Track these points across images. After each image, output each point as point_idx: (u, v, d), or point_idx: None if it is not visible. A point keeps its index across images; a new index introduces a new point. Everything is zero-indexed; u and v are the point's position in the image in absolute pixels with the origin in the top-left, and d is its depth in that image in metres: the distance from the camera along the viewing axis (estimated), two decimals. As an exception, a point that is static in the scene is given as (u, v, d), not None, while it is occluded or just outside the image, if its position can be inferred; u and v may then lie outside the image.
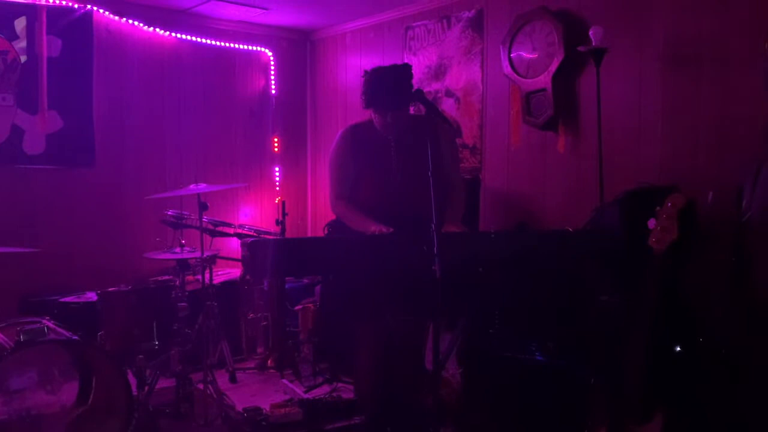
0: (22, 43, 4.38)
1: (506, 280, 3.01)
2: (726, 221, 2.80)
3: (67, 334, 3.07)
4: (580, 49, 3.52)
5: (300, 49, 5.85)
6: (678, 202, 2.10)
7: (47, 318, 3.31)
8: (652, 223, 2.13)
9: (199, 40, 5.20)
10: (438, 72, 4.70)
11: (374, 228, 2.77)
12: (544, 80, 3.90)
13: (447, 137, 3.11)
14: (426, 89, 4.63)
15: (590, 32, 3.44)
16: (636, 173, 3.46)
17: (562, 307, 3.11)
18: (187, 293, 3.74)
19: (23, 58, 4.39)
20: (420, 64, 4.78)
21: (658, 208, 2.13)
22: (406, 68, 2.92)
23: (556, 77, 3.85)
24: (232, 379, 4.24)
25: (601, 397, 2.50)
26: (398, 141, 2.97)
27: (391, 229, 2.75)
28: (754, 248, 2.36)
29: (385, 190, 2.96)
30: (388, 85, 2.85)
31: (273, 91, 5.67)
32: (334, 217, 3.16)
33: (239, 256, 3.99)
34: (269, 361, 4.51)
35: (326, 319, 4.29)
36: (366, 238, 2.74)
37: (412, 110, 3.14)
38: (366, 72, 2.93)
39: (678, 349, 2.75)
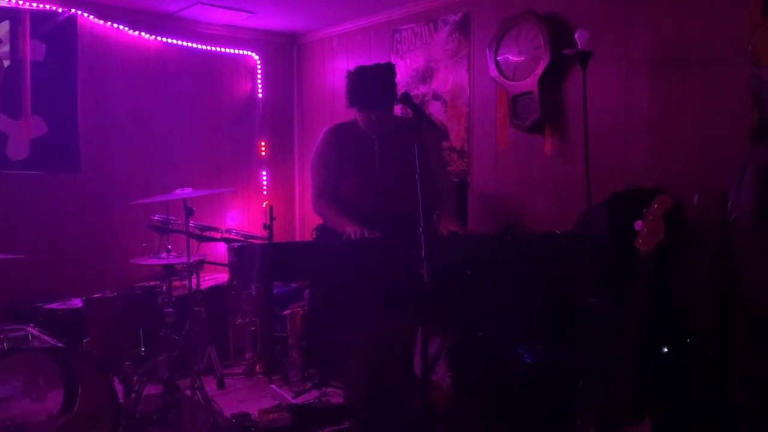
0: (5, 48, 4.34)
1: (494, 283, 3.02)
2: (712, 223, 2.82)
3: (52, 341, 3.04)
4: (566, 52, 3.53)
5: (287, 52, 5.83)
6: (664, 204, 2.11)
7: (32, 325, 3.28)
8: (638, 224, 2.14)
9: (185, 44, 5.17)
10: (425, 75, 4.70)
11: (350, 229, 2.74)
12: (530, 83, 3.91)
13: (433, 139, 3.10)
14: (413, 92, 4.63)
15: (576, 35, 3.45)
16: (623, 175, 3.47)
17: (550, 309, 3.12)
18: (173, 299, 3.71)
19: (6, 63, 4.34)
20: (407, 67, 4.78)
21: (644, 210, 2.14)
22: (390, 67, 2.91)
23: (543, 80, 3.86)
24: (220, 385, 4.21)
25: (590, 398, 2.50)
26: (382, 141, 2.96)
27: (367, 230, 2.72)
28: (739, 250, 2.38)
29: (369, 190, 2.94)
30: (373, 84, 2.84)
31: (260, 95, 5.65)
32: (322, 221, 3.15)
33: (226, 261, 3.97)
34: (258, 367, 4.49)
35: (315, 323, 4.27)
36: (354, 242, 2.73)
37: (398, 111, 3.13)
38: (349, 72, 2.92)
39: (665, 350, 2.76)
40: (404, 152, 2.91)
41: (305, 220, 5.82)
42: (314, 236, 3.15)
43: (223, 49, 5.40)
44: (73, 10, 4.59)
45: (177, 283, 4.09)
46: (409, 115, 3.28)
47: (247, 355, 4.66)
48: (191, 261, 3.67)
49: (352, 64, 5.18)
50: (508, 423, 3.05)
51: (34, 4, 4.43)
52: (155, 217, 4.13)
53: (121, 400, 3.11)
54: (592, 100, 3.51)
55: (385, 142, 2.96)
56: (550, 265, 2.96)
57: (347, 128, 3.05)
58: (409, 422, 2.92)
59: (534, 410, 2.92)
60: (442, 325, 3.12)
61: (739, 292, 2.39)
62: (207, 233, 4.46)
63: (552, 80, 3.87)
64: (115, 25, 4.82)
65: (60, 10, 4.54)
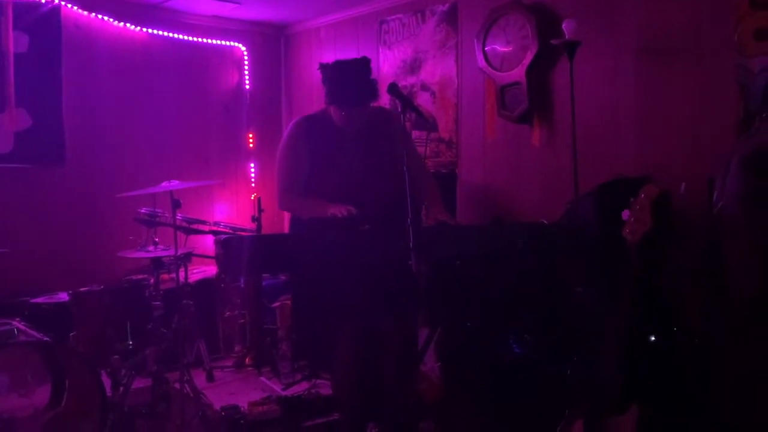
0: (-13, 39, 4.28)
1: (483, 273, 3.02)
2: (699, 212, 2.83)
3: (38, 335, 3.02)
4: (554, 42, 3.53)
5: (274, 43, 5.80)
6: (651, 193, 2.12)
7: (17, 319, 3.25)
8: (626, 214, 2.14)
9: (171, 35, 5.12)
10: (413, 66, 4.69)
11: (333, 209, 2.70)
12: (518, 73, 3.90)
13: (402, 127, 3.04)
14: (401, 83, 4.61)
15: (563, 25, 3.45)
16: (610, 165, 3.48)
17: (538, 299, 3.13)
18: (161, 292, 3.69)
19: (-11, 55, 4.29)
20: (395, 58, 4.77)
21: (632, 199, 2.14)
22: (366, 62, 2.86)
23: (530, 70, 3.85)
24: (210, 378, 4.21)
25: (578, 388, 2.52)
26: (356, 134, 2.91)
27: (352, 208, 2.68)
28: (726, 239, 2.39)
29: (348, 185, 2.88)
30: (354, 81, 2.80)
31: (247, 87, 5.61)
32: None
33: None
34: (247, 359, 4.48)
35: (301, 316, 4.26)
36: (343, 234, 2.71)
37: (386, 102, 3.10)
38: (325, 66, 2.85)
39: (653, 338, 2.78)
40: (378, 144, 2.88)
41: (294, 212, 5.80)
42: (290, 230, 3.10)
43: (209, 41, 5.35)
44: (56, 1, 4.53)
45: (165, 276, 4.08)
46: (394, 106, 3.24)
47: (237, 348, 4.66)
48: (179, 254, 3.65)
49: (339, 55, 5.20)
50: (498, 413, 3.06)
51: (17, -5, 4.37)
52: (142, 210, 4.10)
53: (108, 394, 3.10)
54: (579, 90, 3.51)
55: (359, 134, 2.91)
56: (537, 255, 2.96)
57: (317, 121, 2.97)
58: (400, 412, 2.92)
59: (522, 399, 2.93)
60: (432, 316, 3.12)
61: (726, 281, 2.40)
62: (195, 226, 4.44)
63: (540, 70, 3.86)
64: (100, 16, 4.76)
65: (43, 0, 4.48)
